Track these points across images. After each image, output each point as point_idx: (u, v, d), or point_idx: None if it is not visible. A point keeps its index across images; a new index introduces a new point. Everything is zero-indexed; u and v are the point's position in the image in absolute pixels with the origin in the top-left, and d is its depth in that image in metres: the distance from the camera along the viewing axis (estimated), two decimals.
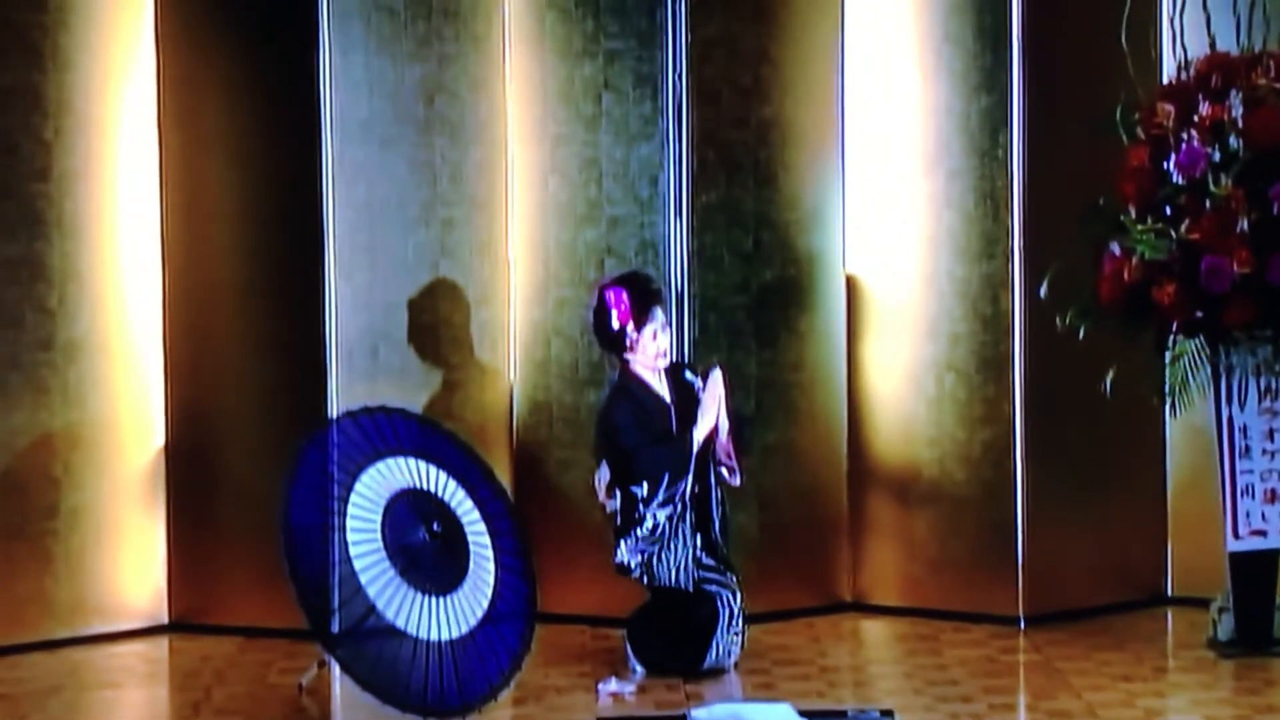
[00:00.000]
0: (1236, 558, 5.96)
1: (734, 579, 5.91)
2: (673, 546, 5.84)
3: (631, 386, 5.91)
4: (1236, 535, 5.96)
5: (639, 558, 5.85)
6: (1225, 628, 5.98)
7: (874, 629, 6.42)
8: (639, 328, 5.86)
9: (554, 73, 6.39)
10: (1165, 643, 6.28)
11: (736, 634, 5.88)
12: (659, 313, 5.90)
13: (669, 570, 5.86)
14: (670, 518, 5.83)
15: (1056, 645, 6.11)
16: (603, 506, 5.96)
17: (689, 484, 5.85)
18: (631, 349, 5.88)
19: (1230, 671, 5.83)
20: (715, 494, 5.95)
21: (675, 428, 5.89)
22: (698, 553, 5.87)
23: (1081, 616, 6.36)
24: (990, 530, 6.38)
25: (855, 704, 5.54)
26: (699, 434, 5.86)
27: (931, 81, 6.45)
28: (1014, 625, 6.31)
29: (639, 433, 5.85)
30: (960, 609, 6.40)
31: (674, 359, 6.04)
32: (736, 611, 5.87)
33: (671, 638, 5.85)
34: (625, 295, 5.85)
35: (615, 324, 5.85)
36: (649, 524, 5.81)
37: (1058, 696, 5.60)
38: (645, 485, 5.82)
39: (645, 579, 5.89)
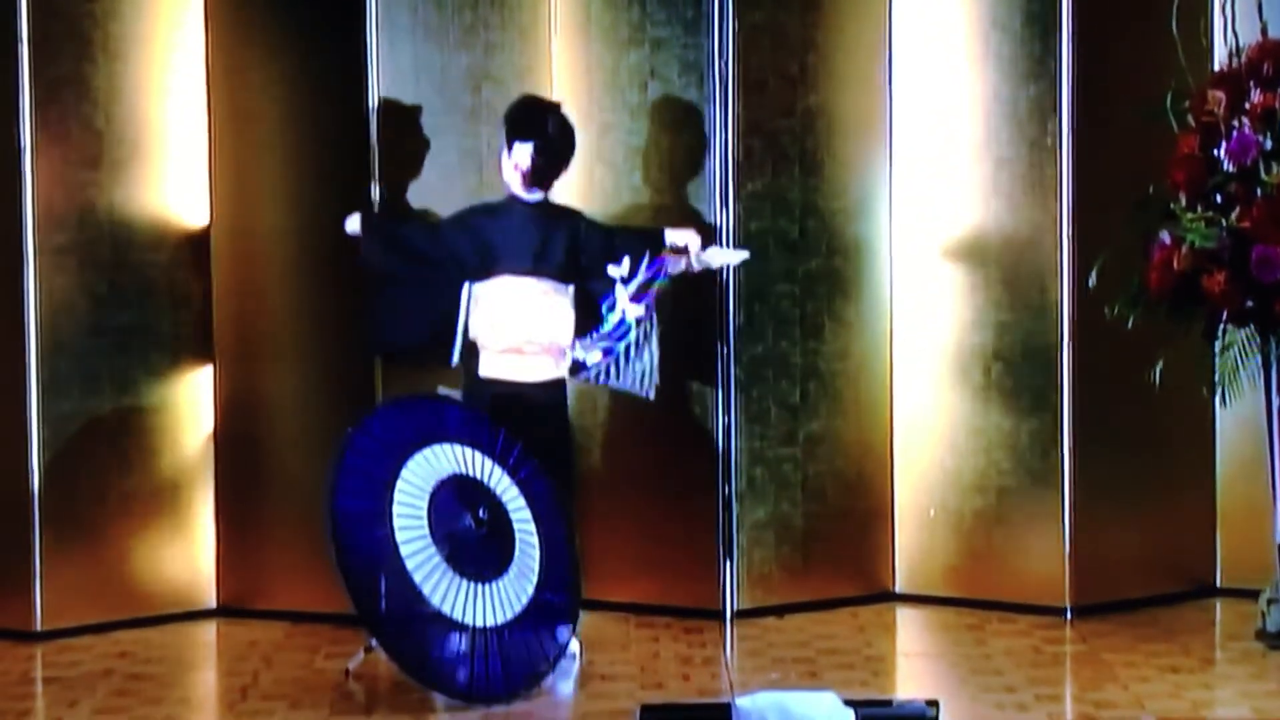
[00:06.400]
0: None
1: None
2: (644, 348, 5.57)
3: (503, 199, 5.83)
4: None
5: (599, 355, 5.60)
6: (1274, 619, 5.94)
7: (919, 619, 6.40)
8: (510, 140, 5.79)
9: (600, 61, 6.39)
10: (1213, 634, 6.24)
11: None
12: (528, 145, 5.73)
13: (635, 374, 5.60)
14: (639, 321, 5.62)
15: (1103, 636, 6.08)
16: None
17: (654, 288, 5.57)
18: (507, 152, 5.81)
19: (1279, 664, 5.79)
20: None
21: (491, 264, 5.69)
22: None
23: (1128, 607, 6.33)
24: (1037, 520, 6.35)
25: (900, 693, 5.52)
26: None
27: (980, 69, 6.42)
28: (1060, 616, 6.28)
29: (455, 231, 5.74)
30: (1006, 599, 6.37)
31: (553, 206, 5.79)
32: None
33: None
34: (532, 107, 5.83)
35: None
36: (615, 316, 5.61)
37: (1104, 687, 5.57)
38: (626, 262, 5.63)
39: (604, 377, 5.63)
